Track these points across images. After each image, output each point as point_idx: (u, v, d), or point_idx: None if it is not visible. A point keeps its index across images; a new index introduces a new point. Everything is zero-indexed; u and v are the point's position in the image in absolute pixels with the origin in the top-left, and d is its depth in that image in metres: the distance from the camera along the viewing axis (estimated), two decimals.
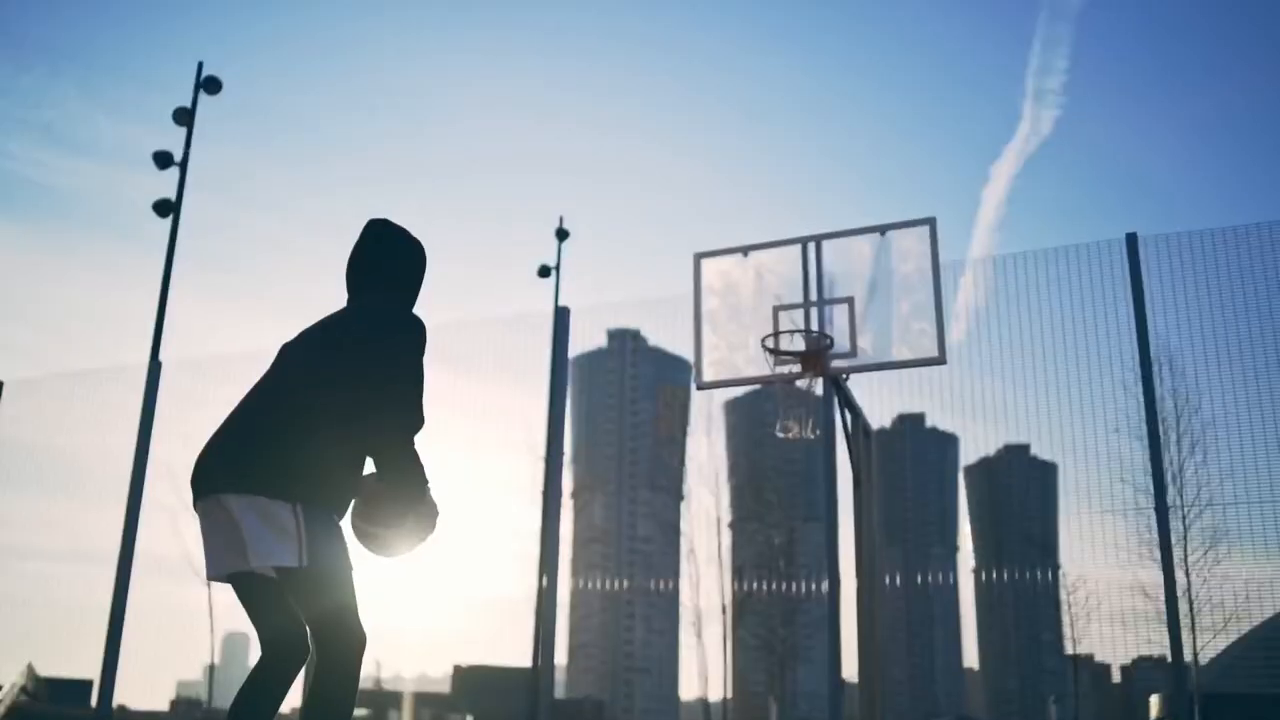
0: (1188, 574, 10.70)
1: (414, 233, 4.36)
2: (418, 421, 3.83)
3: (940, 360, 8.51)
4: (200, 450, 3.90)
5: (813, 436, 8.84)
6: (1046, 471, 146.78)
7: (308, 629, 3.72)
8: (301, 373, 3.90)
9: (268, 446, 3.72)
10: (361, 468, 3.91)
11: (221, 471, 3.76)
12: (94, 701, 11.53)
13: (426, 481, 3.88)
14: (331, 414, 3.77)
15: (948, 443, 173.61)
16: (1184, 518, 10.09)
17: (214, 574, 3.85)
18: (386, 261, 4.23)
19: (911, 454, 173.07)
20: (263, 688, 3.73)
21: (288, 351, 4.07)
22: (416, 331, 3.95)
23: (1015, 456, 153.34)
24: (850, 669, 9.02)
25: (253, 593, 3.84)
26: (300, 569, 3.62)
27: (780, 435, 8.76)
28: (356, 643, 3.67)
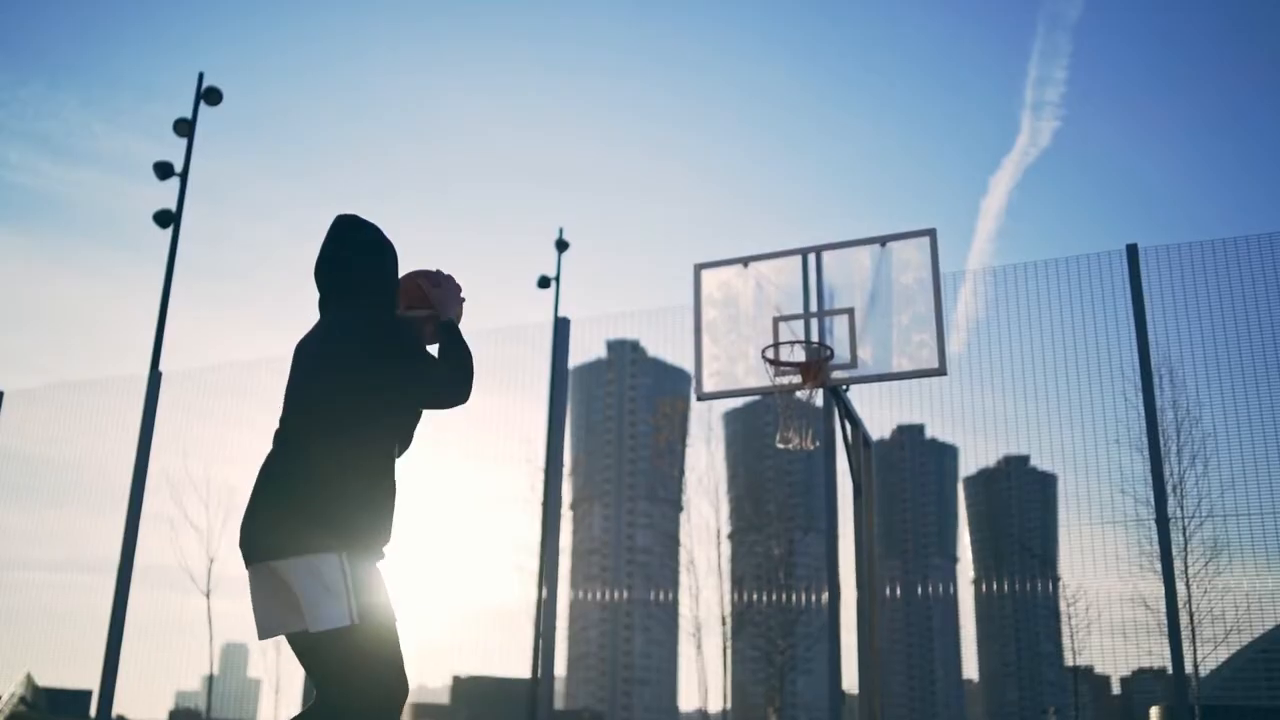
0: (1188, 585, 10.71)
1: (387, 233, 4.20)
2: (441, 383, 3.86)
3: (941, 371, 8.50)
4: (242, 517, 3.88)
5: (813, 447, 8.83)
6: (1046, 482, 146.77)
7: (368, 681, 3.67)
8: (305, 419, 3.85)
9: (300, 504, 3.70)
10: (394, 488, 3.90)
11: (264, 538, 3.75)
12: (92, 711, 11.52)
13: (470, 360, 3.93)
14: (346, 451, 3.76)
15: (947, 454, 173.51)
16: (1184, 529, 10.09)
17: (266, 635, 3.84)
18: (356, 262, 4.05)
19: (911, 465, 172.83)
20: None
21: (288, 394, 3.99)
22: (389, 332, 3.87)
23: (1015, 467, 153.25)
24: (850, 680, 9.01)
25: (313, 651, 3.78)
26: (352, 626, 3.61)
27: (780, 446, 8.75)
28: (398, 698, 3.68)
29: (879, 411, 9.56)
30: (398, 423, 3.95)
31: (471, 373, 3.92)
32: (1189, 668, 10.22)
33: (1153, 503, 8.62)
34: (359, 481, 3.76)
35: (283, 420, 3.94)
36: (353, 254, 4.06)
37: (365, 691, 3.62)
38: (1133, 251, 8.92)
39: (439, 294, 4.13)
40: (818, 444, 8.83)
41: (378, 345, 3.83)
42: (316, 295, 4.12)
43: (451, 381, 3.85)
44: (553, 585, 10.28)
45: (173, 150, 20.31)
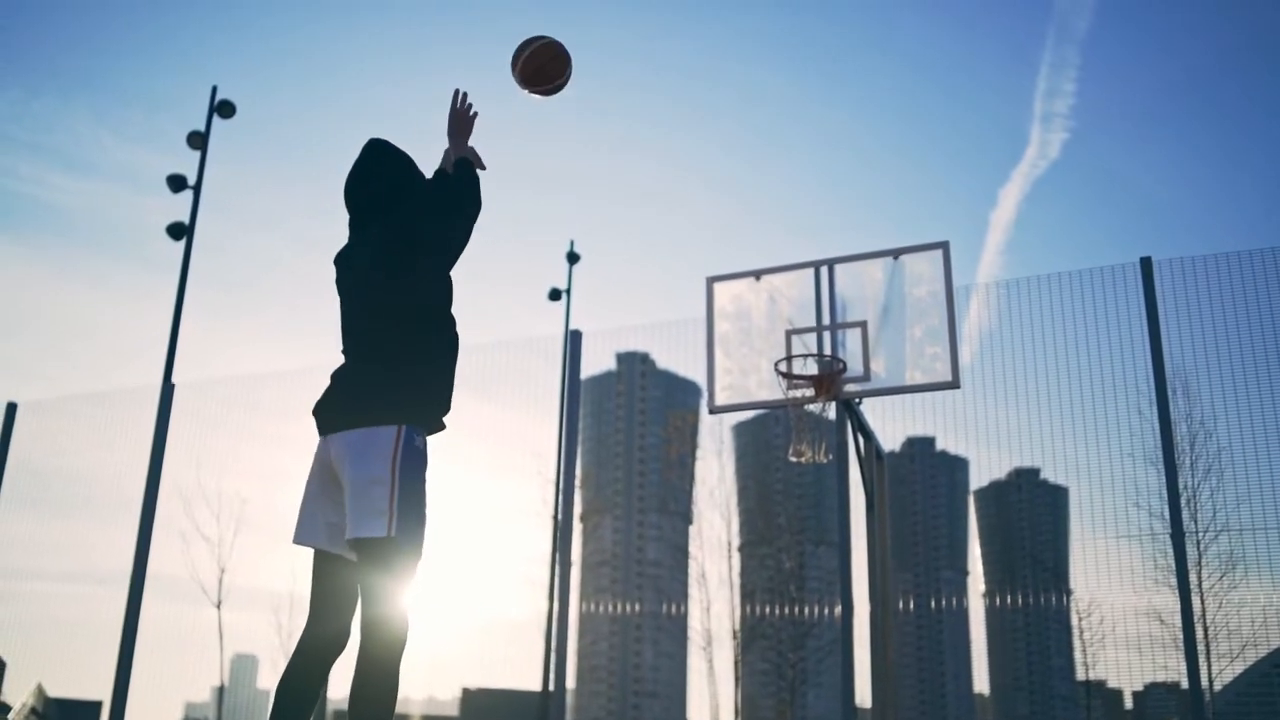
0: (1202, 600, 10.65)
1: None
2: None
3: (954, 385, 8.49)
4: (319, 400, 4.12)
5: (825, 460, 8.82)
6: (1057, 495, 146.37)
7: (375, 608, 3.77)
8: (371, 319, 4.08)
9: (371, 383, 3.95)
10: (454, 361, 4.15)
11: (335, 411, 3.99)
12: None
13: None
14: (415, 338, 4.02)
15: (957, 466, 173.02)
16: (1199, 543, 10.04)
17: (302, 541, 4.02)
18: (391, 179, 4.33)
19: (921, 478, 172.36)
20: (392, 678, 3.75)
21: (347, 302, 4.23)
22: (421, 229, 4.15)
23: (1026, 480, 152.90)
24: (862, 694, 8.98)
25: (339, 569, 3.97)
26: (387, 538, 3.73)
27: (793, 459, 8.73)
28: (403, 634, 3.76)
29: (889, 424, 9.56)
30: (445, 270, 4.20)
31: (476, 196, 4.27)
32: (1204, 682, 10.15)
33: (1167, 517, 8.57)
34: (424, 362, 4.01)
35: (346, 328, 4.18)
36: (388, 171, 4.32)
37: (380, 621, 3.73)
38: (1147, 264, 8.90)
39: (450, 119, 4.42)
40: (830, 457, 8.82)
41: (411, 237, 4.10)
42: (348, 214, 4.38)
43: (462, 224, 4.20)
44: (565, 597, 10.26)
45: (183, 162, 20.42)
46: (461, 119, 4.43)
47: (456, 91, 4.45)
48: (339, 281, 4.29)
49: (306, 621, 3.97)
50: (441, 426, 4.09)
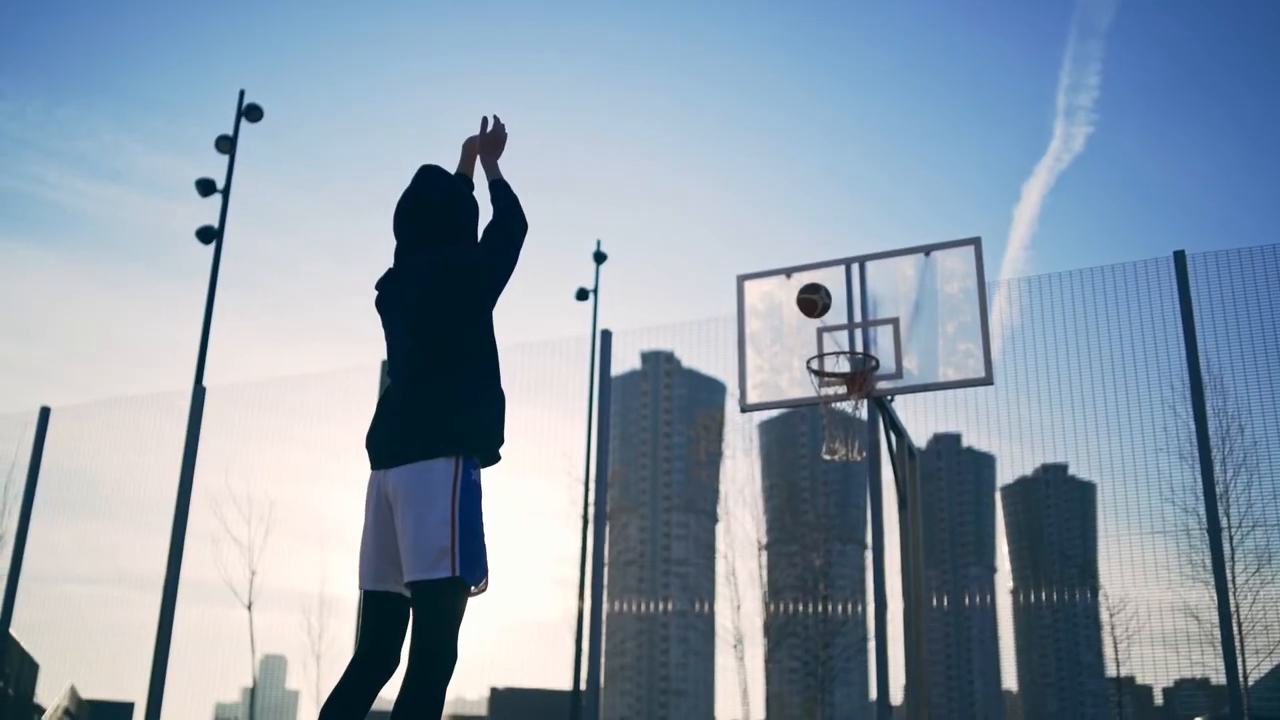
0: (1235, 595, 10.59)
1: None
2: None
3: (987, 381, 8.45)
4: (370, 431, 4.10)
5: (859, 458, 8.79)
6: (1085, 491, 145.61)
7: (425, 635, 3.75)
8: (425, 348, 4.05)
9: (425, 417, 3.91)
10: (502, 394, 4.12)
11: (391, 445, 3.95)
12: None
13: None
14: (465, 369, 4.01)
15: (984, 463, 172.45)
16: (1231, 538, 9.98)
17: (369, 585, 3.99)
18: (446, 211, 4.33)
19: (948, 474, 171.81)
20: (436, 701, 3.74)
21: (397, 328, 4.21)
22: (472, 259, 4.17)
23: (1053, 476, 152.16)
24: (892, 691, 8.94)
25: (395, 600, 3.95)
26: (451, 579, 3.73)
27: (827, 457, 8.70)
28: (451, 669, 3.75)
29: (915, 421, 9.51)
30: (492, 303, 4.22)
31: (522, 220, 4.29)
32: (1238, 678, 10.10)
33: (1200, 512, 8.52)
34: (479, 395, 3.99)
35: (395, 354, 4.17)
36: (440, 202, 4.33)
37: (436, 649, 3.71)
38: (1180, 258, 8.83)
39: (482, 140, 4.49)
40: (863, 455, 8.79)
41: (465, 272, 4.10)
42: (396, 240, 4.37)
43: (510, 250, 4.21)
44: (597, 596, 10.27)
45: (208, 167, 20.50)
46: (494, 139, 4.49)
47: (485, 118, 4.53)
48: (384, 305, 4.30)
49: (359, 644, 3.97)
50: (497, 458, 4.08)
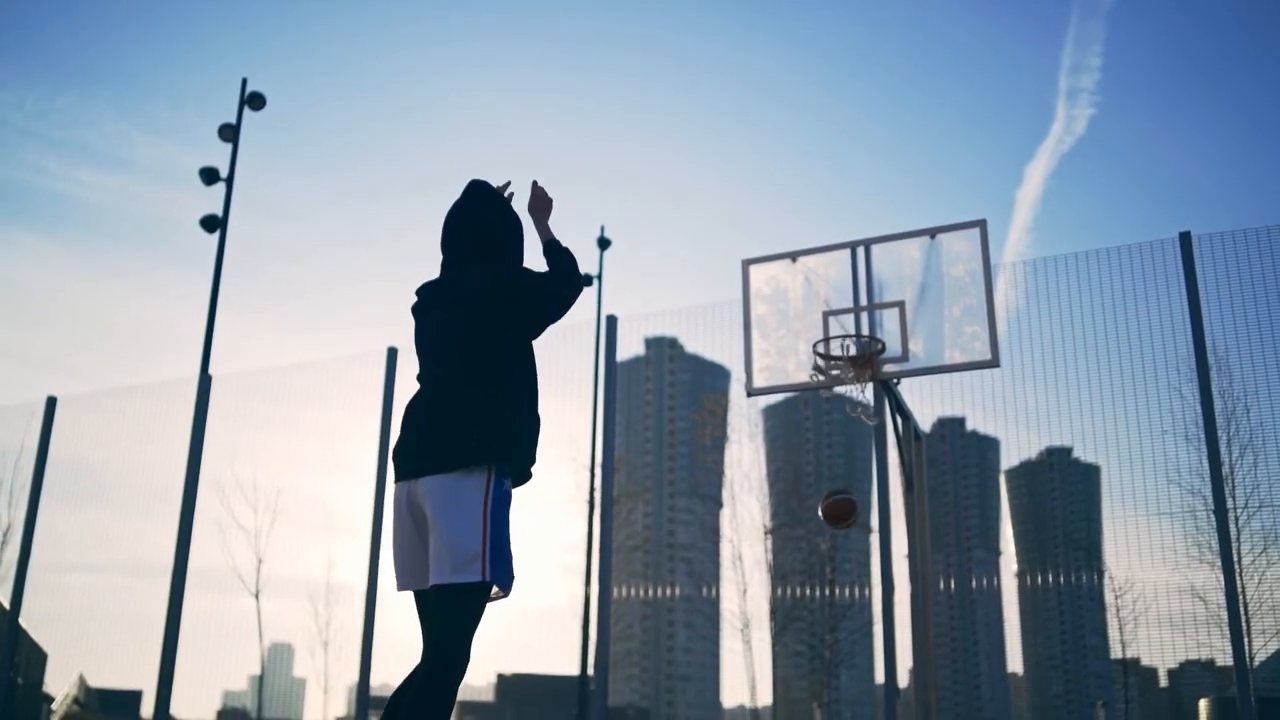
0: (1240, 576, 10.60)
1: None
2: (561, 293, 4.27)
3: (994, 363, 8.45)
4: (399, 441, 4.13)
5: (872, 423, 8.76)
6: (1089, 474, 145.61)
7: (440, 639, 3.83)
8: (461, 359, 4.09)
9: (456, 426, 3.94)
10: (537, 413, 4.20)
11: (419, 455, 3.97)
12: (143, 712, 11.63)
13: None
14: (499, 384, 4.04)
15: (988, 446, 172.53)
16: (1236, 520, 9.98)
17: (405, 588, 4.06)
18: (495, 227, 4.41)
19: (952, 458, 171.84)
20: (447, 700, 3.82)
21: (435, 338, 4.24)
22: (521, 276, 4.26)
23: (1058, 459, 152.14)
24: (899, 674, 8.96)
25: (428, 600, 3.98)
26: (480, 583, 3.80)
27: (866, 421, 8.63)
28: (465, 668, 3.86)
29: (919, 404, 9.51)
30: (534, 335, 4.28)
31: (578, 279, 4.33)
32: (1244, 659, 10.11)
33: (1206, 494, 8.53)
34: (516, 411, 4.04)
35: (430, 361, 4.21)
36: (491, 214, 4.43)
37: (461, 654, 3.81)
38: (1186, 239, 8.82)
39: (531, 205, 4.59)
40: (876, 420, 8.75)
41: (513, 289, 4.17)
42: (444, 252, 4.46)
43: (566, 293, 4.26)
44: (606, 582, 10.29)
45: (211, 155, 20.46)
46: (542, 201, 4.57)
47: (535, 183, 4.61)
48: (423, 310, 4.34)
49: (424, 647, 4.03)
50: (529, 476, 4.14)
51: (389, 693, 4.16)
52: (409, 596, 4.09)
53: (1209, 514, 8.61)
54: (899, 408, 9.04)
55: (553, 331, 4.38)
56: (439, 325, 4.22)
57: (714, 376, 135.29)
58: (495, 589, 3.87)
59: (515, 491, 4.10)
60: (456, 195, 4.50)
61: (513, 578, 3.92)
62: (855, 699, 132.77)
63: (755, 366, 9.25)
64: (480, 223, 4.39)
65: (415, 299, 4.39)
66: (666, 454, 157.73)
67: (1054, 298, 9.30)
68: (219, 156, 19.31)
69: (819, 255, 9.33)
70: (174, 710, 11.53)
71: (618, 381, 11.04)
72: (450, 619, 3.79)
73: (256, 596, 17.90)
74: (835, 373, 8.77)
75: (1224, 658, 8.56)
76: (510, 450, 3.97)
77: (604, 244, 27.83)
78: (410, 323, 4.43)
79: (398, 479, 4.04)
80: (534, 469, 4.16)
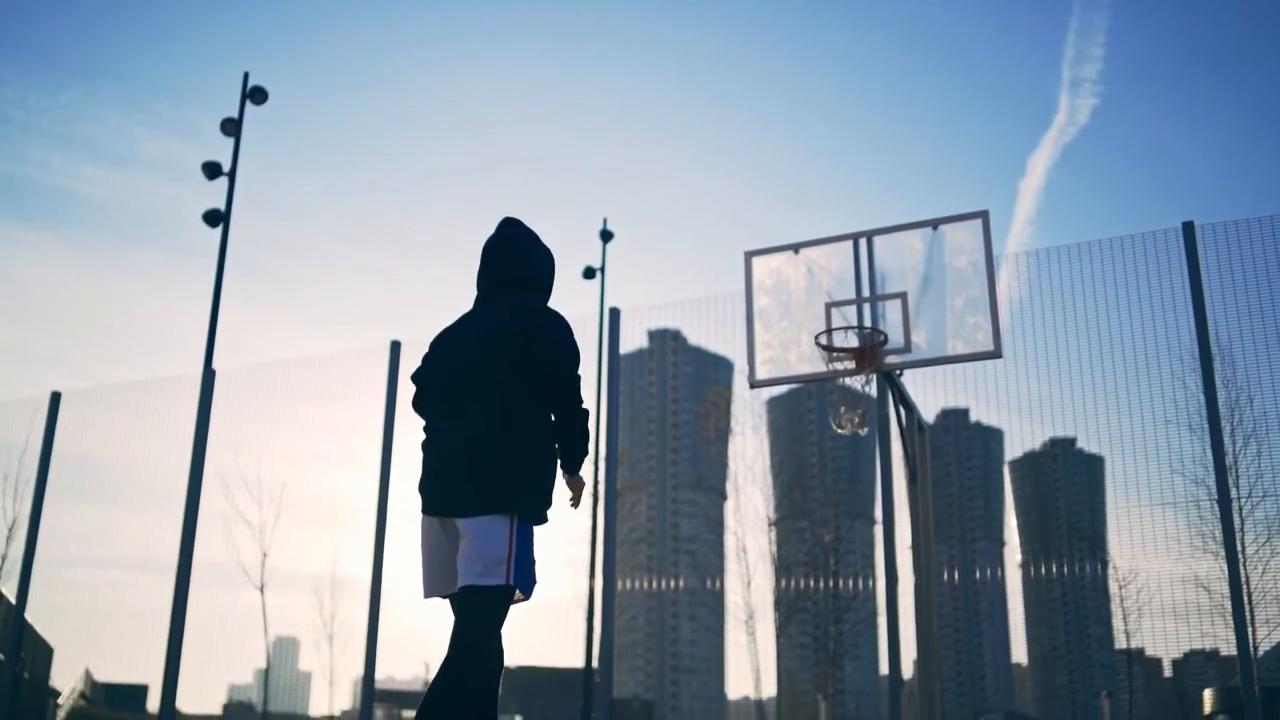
0: (1244, 566, 10.60)
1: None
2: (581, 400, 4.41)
3: (996, 354, 8.45)
4: (428, 473, 4.30)
5: (863, 432, 8.80)
6: (1093, 465, 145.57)
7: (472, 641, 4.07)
8: (489, 385, 4.25)
9: (491, 471, 4.12)
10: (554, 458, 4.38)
11: (453, 496, 4.17)
12: (149, 706, 11.65)
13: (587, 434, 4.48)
14: (528, 418, 4.23)
15: (992, 437, 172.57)
16: (1240, 509, 9.98)
17: (431, 594, 4.29)
18: (532, 263, 4.60)
19: (956, 449, 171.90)
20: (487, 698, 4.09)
21: (470, 368, 4.34)
22: (568, 329, 4.43)
23: (1061, 450, 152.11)
24: (903, 664, 8.97)
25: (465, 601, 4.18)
26: (505, 586, 4.04)
27: (839, 430, 8.70)
28: (497, 662, 4.13)
29: (923, 395, 9.51)
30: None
31: (586, 432, 4.45)
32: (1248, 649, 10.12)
33: (1210, 483, 8.53)
34: (538, 457, 4.24)
35: (460, 392, 4.31)
36: (524, 244, 4.64)
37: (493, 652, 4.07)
38: (1189, 229, 8.80)
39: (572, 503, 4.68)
40: (866, 429, 8.79)
41: (560, 337, 4.36)
42: (480, 285, 4.62)
43: (580, 416, 4.40)
44: (610, 574, 10.31)
45: (214, 150, 20.47)
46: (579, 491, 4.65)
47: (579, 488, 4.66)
48: (453, 338, 4.47)
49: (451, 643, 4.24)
50: (545, 520, 4.29)
51: (394, 686, 4.25)
52: (414, 591, 4.32)
53: (1213, 504, 8.61)
54: (902, 399, 9.04)
55: None
56: (471, 360, 4.35)
57: (717, 369, 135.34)
58: (517, 592, 4.10)
59: None
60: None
61: (534, 583, 4.15)
62: (859, 690, 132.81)
63: (758, 358, 9.25)
64: (514, 254, 4.58)
65: (448, 327, 4.54)
66: (670, 446, 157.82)
67: (1057, 288, 9.29)
68: (221, 151, 19.27)
69: (821, 247, 9.33)
70: (180, 704, 11.54)
71: (621, 374, 11.04)
72: (477, 617, 4.03)
73: (261, 591, 17.97)
74: (838, 365, 8.77)
75: (1228, 647, 8.57)
76: (530, 499, 4.18)
77: (606, 236, 27.84)
78: (429, 327, 4.58)
79: (427, 513, 4.26)
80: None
